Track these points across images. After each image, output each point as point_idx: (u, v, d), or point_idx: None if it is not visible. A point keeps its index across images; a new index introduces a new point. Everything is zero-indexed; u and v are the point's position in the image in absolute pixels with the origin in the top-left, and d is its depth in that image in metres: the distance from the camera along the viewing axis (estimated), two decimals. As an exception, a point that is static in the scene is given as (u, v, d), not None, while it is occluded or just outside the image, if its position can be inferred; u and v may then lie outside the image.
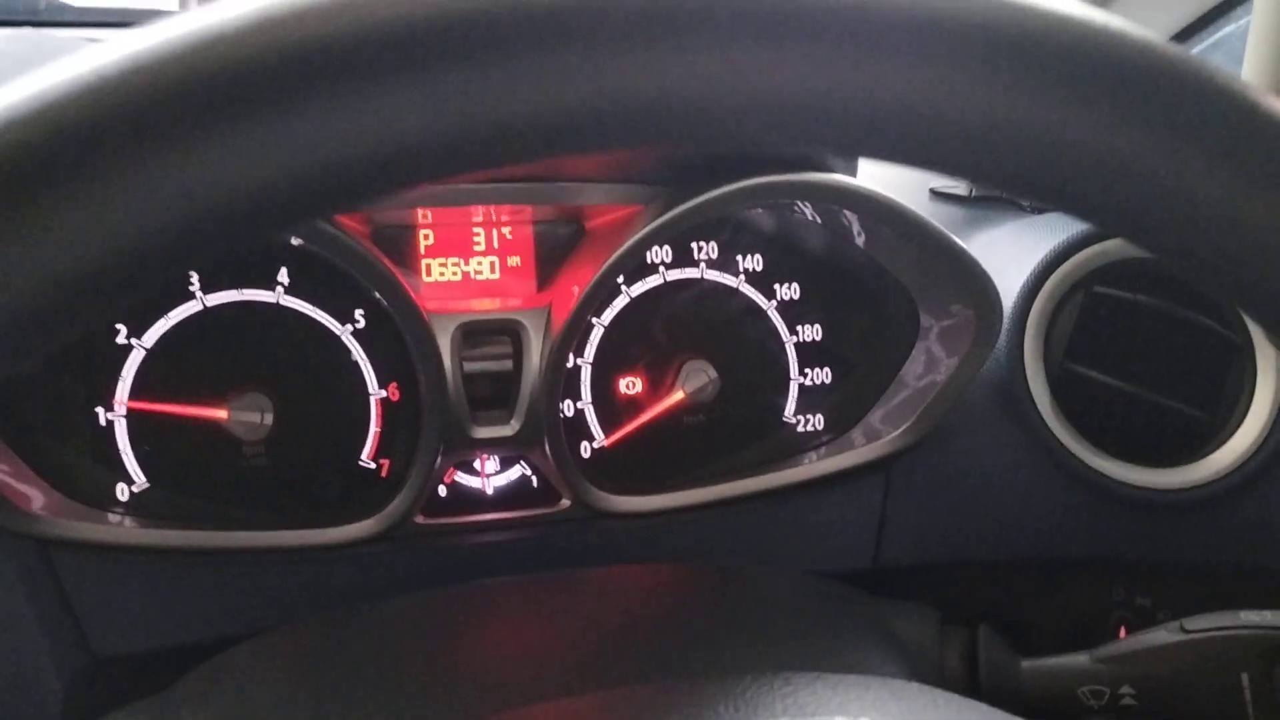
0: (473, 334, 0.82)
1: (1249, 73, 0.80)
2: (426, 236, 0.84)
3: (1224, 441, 0.85)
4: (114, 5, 1.62)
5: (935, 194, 1.04)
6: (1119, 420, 0.85)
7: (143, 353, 0.78)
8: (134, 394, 0.79)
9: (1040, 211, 1.01)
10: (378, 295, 0.78)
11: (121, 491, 0.79)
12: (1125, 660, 0.62)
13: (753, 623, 0.62)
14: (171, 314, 0.79)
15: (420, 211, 0.82)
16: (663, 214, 0.76)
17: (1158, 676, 0.61)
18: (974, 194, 1.04)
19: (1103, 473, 0.84)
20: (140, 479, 0.80)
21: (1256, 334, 0.85)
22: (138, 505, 0.79)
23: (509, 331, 0.82)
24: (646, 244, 0.78)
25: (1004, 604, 0.87)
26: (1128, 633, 0.85)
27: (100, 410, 0.78)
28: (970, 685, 0.64)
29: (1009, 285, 0.86)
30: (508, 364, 0.83)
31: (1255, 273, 0.29)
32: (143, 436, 0.79)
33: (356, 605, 0.69)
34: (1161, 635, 0.62)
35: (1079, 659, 0.64)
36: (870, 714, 0.46)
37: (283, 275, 0.80)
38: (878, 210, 0.78)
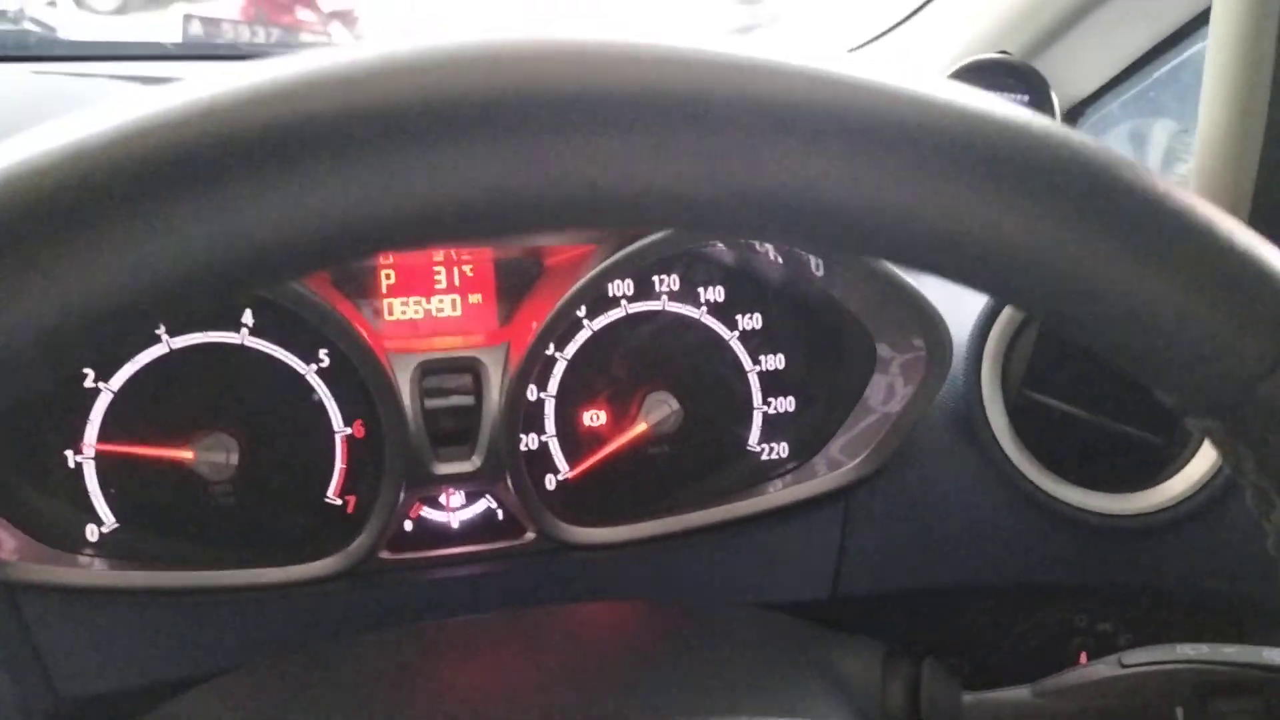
0: (433, 372, 0.83)
1: (1201, 137, 0.80)
2: (388, 276, 0.85)
3: (1181, 467, 0.85)
4: (105, 39, 1.64)
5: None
6: (1077, 447, 0.85)
7: (110, 395, 0.80)
8: (102, 436, 0.80)
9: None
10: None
11: (91, 533, 0.81)
12: (1064, 694, 0.63)
13: (692, 661, 0.63)
14: (138, 357, 0.80)
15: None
16: (614, 252, 0.78)
17: (1096, 711, 0.62)
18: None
19: (1061, 499, 0.85)
20: (110, 520, 0.81)
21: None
22: (107, 546, 0.81)
23: (468, 368, 0.83)
24: (601, 280, 0.80)
25: (965, 632, 0.88)
26: (1089, 659, 0.86)
27: (69, 453, 0.80)
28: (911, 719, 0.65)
29: (968, 313, 0.87)
30: (469, 400, 0.84)
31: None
32: (111, 478, 0.81)
33: (314, 645, 0.70)
34: (1100, 669, 0.63)
35: (1019, 693, 0.64)
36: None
37: (247, 317, 0.81)
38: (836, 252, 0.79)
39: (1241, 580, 0.85)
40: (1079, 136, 0.28)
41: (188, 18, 1.82)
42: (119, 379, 0.80)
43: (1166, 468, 0.85)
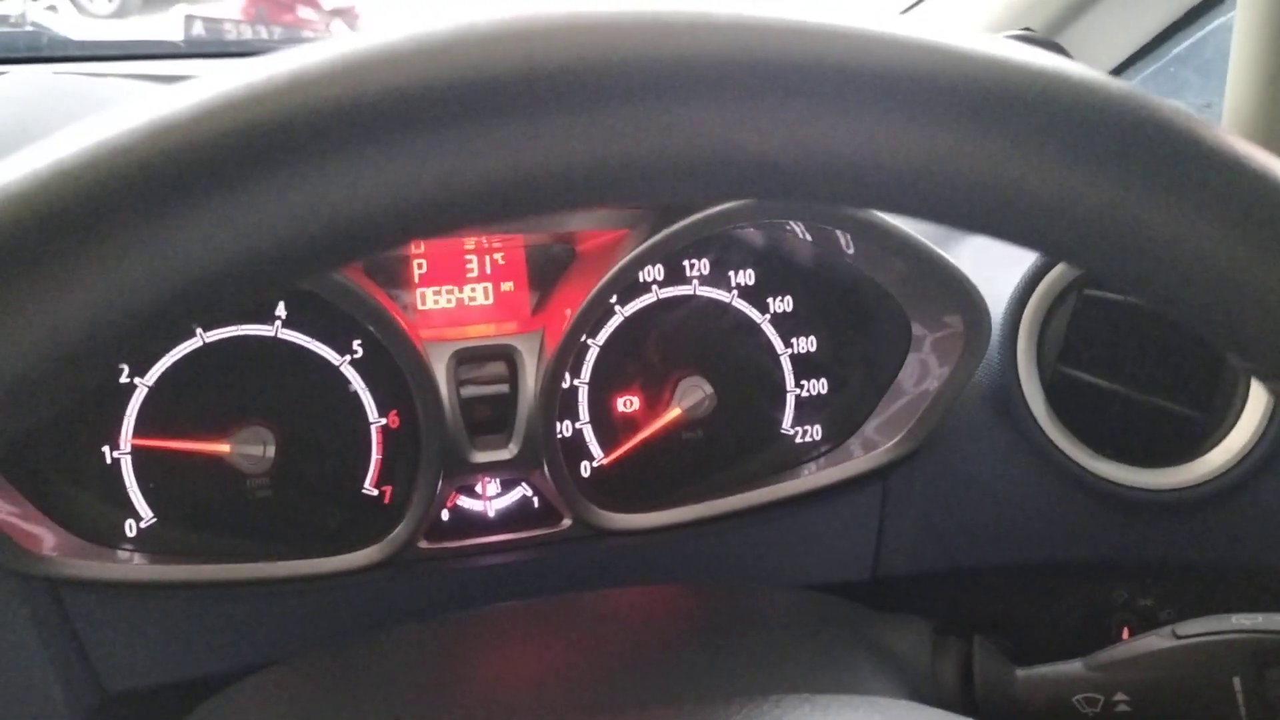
0: (468, 361, 0.83)
1: (1229, 112, 0.80)
2: (420, 265, 0.85)
3: (1220, 440, 0.85)
4: (116, 38, 1.63)
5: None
6: (1115, 422, 0.85)
7: (145, 390, 0.80)
8: (138, 431, 0.80)
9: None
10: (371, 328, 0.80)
11: (130, 528, 0.81)
12: (1119, 667, 0.63)
13: (743, 643, 0.63)
14: (172, 352, 0.80)
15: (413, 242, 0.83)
16: (648, 237, 0.77)
17: (1151, 682, 0.61)
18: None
19: (1100, 475, 0.84)
20: (148, 515, 0.81)
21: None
22: (146, 541, 0.81)
23: (504, 357, 0.83)
24: (635, 266, 0.79)
25: (1006, 610, 0.87)
26: (1131, 634, 0.86)
27: (106, 449, 0.80)
28: (965, 697, 0.65)
29: (1001, 290, 0.86)
30: (504, 388, 0.84)
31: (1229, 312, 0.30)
32: (149, 473, 0.81)
33: (358, 636, 0.70)
34: (1154, 641, 0.63)
35: (1073, 666, 0.64)
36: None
37: (280, 309, 0.81)
38: (862, 227, 0.79)
39: (1284, 552, 0.84)
40: (1154, 98, 0.28)
41: (189, 18, 1.81)
42: (154, 374, 0.80)
43: (1206, 441, 0.85)
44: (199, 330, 0.80)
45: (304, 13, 4.18)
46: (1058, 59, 0.27)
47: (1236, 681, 0.59)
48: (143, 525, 0.81)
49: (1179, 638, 0.62)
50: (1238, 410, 0.85)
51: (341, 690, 0.65)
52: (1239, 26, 0.83)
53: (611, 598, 0.72)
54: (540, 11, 0.25)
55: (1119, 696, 0.61)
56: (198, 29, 1.81)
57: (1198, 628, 0.62)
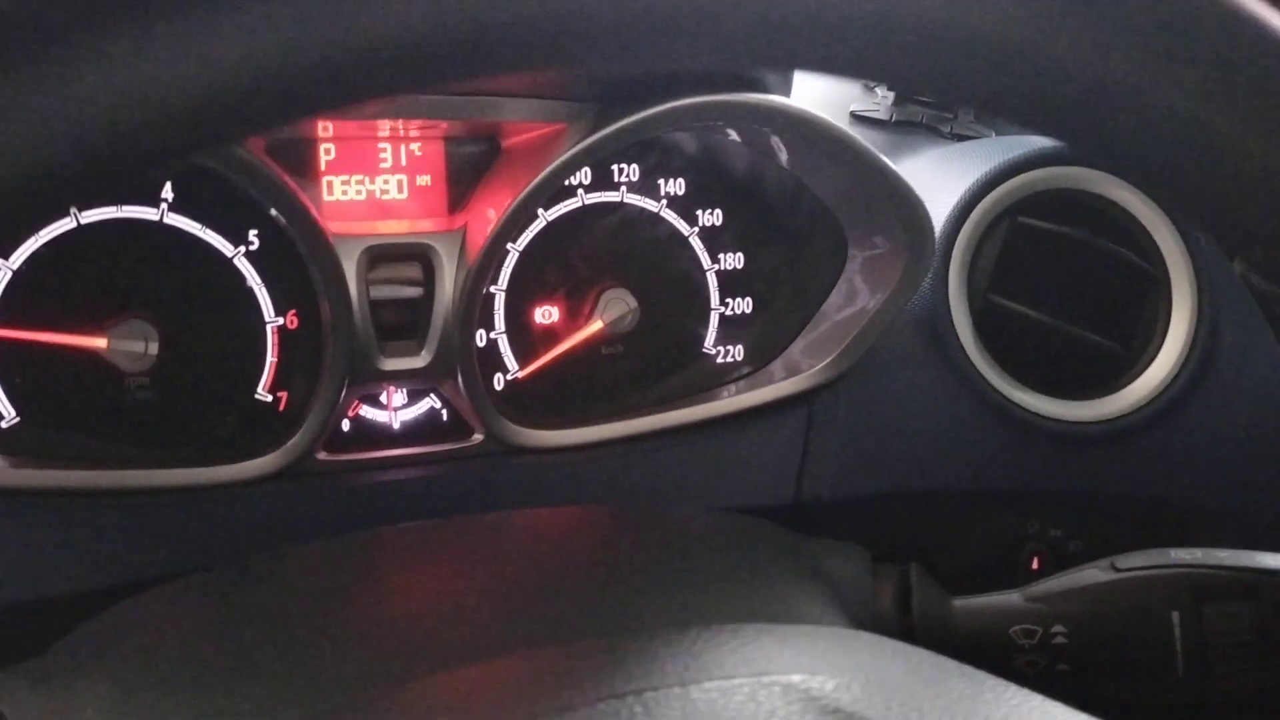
0: (380, 258, 0.76)
1: None
2: (328, 151, 0.77)
3: (1139, 374, 0.85)
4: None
5: (856, 117, 1.01)
6: (1039, 353, 0.85)
7: (9, 274, 0.71)
8: (1, 320, 0.71)
9: (961, 138, 1.00)
10: (275, 213, 0.72)
11: (-12, 427, 0.72)
12: (1056, 599, 0.62)
13: (681, 568, 0.59)
14: (41, 232, 0.71)
15: (320, 124, 0.76)
16: (590, 134, 0.71)
17: (1089, 615, 0.61)
18: (894, 119, 1.01)
19: (1023, 406, 0.84)
20: (10, 413, 0.73)
21: (1173, 266, 0.85)
22: (8, 443, 0.72)
23: (419, 256, 0.77)
24: (573, 166, 0.74)
25: (920, 537, 0.86)
26: (1041, 564, 0.86)
27: (-39, 338, 0.71)
28: (902, 625, 0.63)
29: (933, 215, 0.84)
30: (417, 291, 0.78)
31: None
32: (12, 367, 0.72)
33: (251, 557, 0.63)
34: (1093, 574, 0.62)
35: (1010, 598, 0.63)
36: (826, 669, 0.44)
37: (167, 191, 0.73)
38: (814, 133, 0.75)
39: (1194, 487, 0.86)
40: None
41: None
42: (20, 256, 0.71)
43: (1126, 375, 0.85)
44: (73, 209, 0.71)
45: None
46: None
47: (1175, 616, 0.59)
48: (4, 425, 0.73)
49: (1118, 571, 0.61)
50: (1157, 345, 0.85)
51: (231, 614, 0.60)
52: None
53: (528, 518, 0.67)
54: None
55: (1056, 628, 0.61)
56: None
57: (1137, 561, 0.61)
